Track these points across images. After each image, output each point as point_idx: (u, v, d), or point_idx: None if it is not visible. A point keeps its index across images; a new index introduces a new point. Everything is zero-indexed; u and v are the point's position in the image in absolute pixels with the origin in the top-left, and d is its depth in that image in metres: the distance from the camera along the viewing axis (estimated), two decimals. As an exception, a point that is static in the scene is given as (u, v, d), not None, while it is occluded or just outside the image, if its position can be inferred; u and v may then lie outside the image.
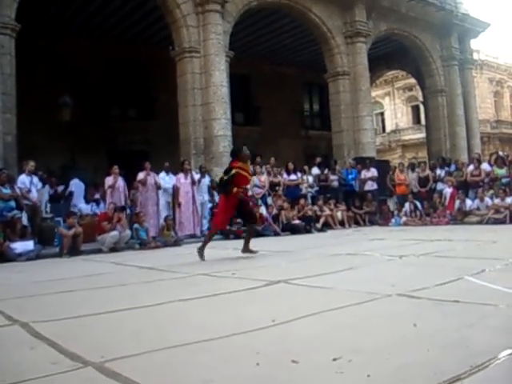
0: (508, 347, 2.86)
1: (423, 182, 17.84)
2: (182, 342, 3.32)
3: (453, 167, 18.42)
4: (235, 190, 8.62)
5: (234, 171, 8.66)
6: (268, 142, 25.13)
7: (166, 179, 14.82)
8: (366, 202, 17.66)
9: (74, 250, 11.40)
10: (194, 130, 17.24)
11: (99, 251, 11.76)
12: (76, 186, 15.78)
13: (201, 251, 8.80)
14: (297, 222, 15.16)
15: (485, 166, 17.39)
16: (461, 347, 2.96)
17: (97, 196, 15.81)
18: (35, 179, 13.07)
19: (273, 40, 24.21)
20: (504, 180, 16.43)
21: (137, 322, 4.14)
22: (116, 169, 13.96)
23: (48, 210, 14.36)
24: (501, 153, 20.31)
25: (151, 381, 2.66)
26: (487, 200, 15.40)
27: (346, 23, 21.81)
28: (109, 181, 13.83)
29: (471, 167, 17.33)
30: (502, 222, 14.46)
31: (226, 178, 8.73)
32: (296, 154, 25.08)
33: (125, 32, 21.28)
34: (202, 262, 8.46)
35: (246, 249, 9.05)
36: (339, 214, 16.71)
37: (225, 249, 11.12)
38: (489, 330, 3.30)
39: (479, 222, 14.84)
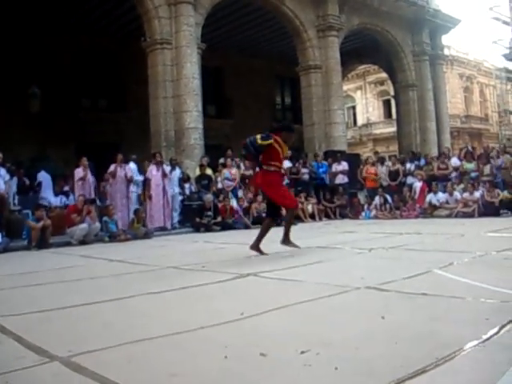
0: (474, 339, 2.89)
1: (393, 175, 17.97)
2: (151, 336, 3.30)
3: (422, 161, 18.59)
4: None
5: (270, 140, 7.60)
6: (240, 135, 24.94)
7: (136, 170, 14.75)
8: (337, 196, 17.74)
9: (42, 243, 11.26)
10: (164, 122, 17.15)
11: (68, 244, 11.65)
12: (43, 178, 15.57)
13: (287, 241, 7.82)
14: (268, 214, 15.15)
15: (454, 161, 17.58)
16: (428, 339, 2.99)
17: (66, 188, 15.64)
18: (3, 171, 12.88)
19: (245, 33, 24.14)
20: (473, 174, 16.63)
21: (105, 315, 4.11)
22: (85, 160, 13.81)
23: (16, 202, 14.15)
24: (470, 147, 20.55)
25: (117, 375, 2.63)
26: (456, 194, 15.56)
27: (318, 17, 21.85)
28: (79, 173, 13.68)
29: (438, 161, 17.54)
30: (470, 215, 14.64)
31: (259, 142, 7.53)
32: (268, 147, 25.02)
33: (96, 22, 21.00)
34: (171, 256, 8.42)
35: (287, 240, 7.90)
36: (310, 207, 16.76)
37: (195, 242, 11.07)
38: (455, 323, 3.33)
39: (448, 216, 15.00)
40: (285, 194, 7.94)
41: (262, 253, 7.55)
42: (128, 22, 20.55)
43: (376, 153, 24.31)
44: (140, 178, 14.81)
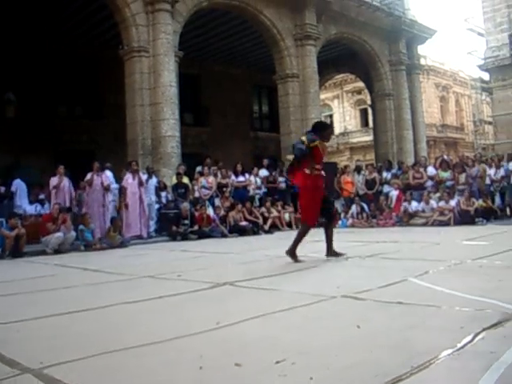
0: (449, 347, 2.91)
1: (370, 184, 18.06)
2: (125, 346, 3.27)
3: (397, 170, 18.66)
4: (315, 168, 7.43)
5: (316, 142, 7.35)
6: (217, 143, 25.12)
7: (112, 179, 14.67)
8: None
9: (16, 252, 11.14)
10: (141, 130, 17.06)
11: (43, 253, 11.52)
12: (18, 186, 15.38)
13: (292, 252, 7.48)
14: (244, 223, 15.14)
15: (430, 170, 17.71)
16: (403, 348, 3.00)
17: (41, 196, 15.48)
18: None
19: (223, 41, 24.17)
20: (448, 183, 16.75)
21: (80, 325, 4.06)
22: (61, 168, 13.71)
23: (-10, 210, 13.98)
24: (445, 156, 20.72)
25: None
26: (432, 202, 15.67)
27: (296, 26, 21.93)
28: (53, 181, 13.57)
29: (413, 171, 17.65)
30: (446, 224, 14.74)
31: (309, 145, 7.25)
32: (245, 156, 25.10)
33: (73, 30, 20.89)
34: (148, 265, 8.36)
35: (331, 252, 7.68)
36: (287, 216, 16.78)
37: (171, 250, 11.01)
38: (431, 331, 3.35)
39: (424, 224, 15.09)
40: (312, 209, 7.71)
41: (340, 254, 7.51)
42: (105, 29, 20.47)
43: (357, 160, 24.46)
44: (116, 185, 14.71)
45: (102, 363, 2.99)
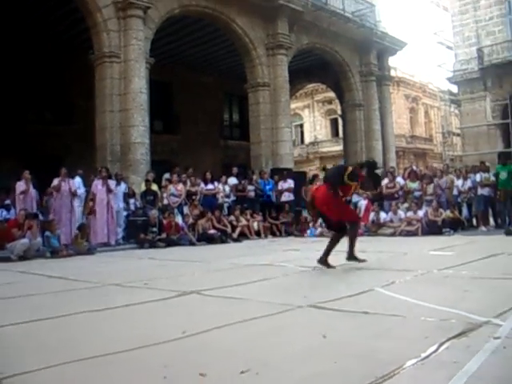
0: (413, 357, 2.93)
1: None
2: (89, 355, 3.22)
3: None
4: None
5: (354, 184, 7.55)
6: (187, 151, 25.05)
7: (81, 185, 14.52)
8: (283, 213, 17.80)
9: (-20, 258, 10.93)
10: (111, 136, 16.92)
11: (8, 259, 11.26)
12: (-16, 191, 15.13)
13: (353, 256, 7.59)
14: (212, 231, 15.09)
15: (399, 180, 17.86)
16: (369, 358, 3.01)
17: (7, 202, 15.23)
18: None
19: (195, 48, 24.14)
20: (416, 193, 16.91)
21: (41, 334, 3.99)
22: (27, 174, 13.50)
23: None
24: (414, 167, 20.91)
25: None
26: (400, 213, 15.80)
27: (268, 35, 21.99)
28: (20, 186, 13.36)
29: (386, 180, 17.74)
30: (414, 234, 14.88)
31: (346, 181, 7.38)
32: (214, 164, 25.07)
33: (43, 33, 20.68)
34: (114, 272, 8.28)
35: (352, 255, 7.66)
36: (255, 225, 16.77)
37: (139, 258, 10.92)
38: (396, 341, 3.38)
39: (392, 234, 15.21)
40: (345, 210, 7.78)
41: (329, 266, 7.38)
42: (77, 33, 20.27)
43: (324, 168, 24.49)
44: (82, 190, 14.55)
45: (63, 373, 2.94)
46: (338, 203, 7.51)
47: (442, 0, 33.66)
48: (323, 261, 7.46)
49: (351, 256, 7.58)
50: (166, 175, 16.92)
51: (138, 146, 16.85)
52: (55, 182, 13.68)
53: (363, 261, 7.51)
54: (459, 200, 17.11)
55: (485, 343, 3.18)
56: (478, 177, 16.53)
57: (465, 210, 17.32)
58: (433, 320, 3.89)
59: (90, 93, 17.90)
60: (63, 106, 22.57)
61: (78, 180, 14.63)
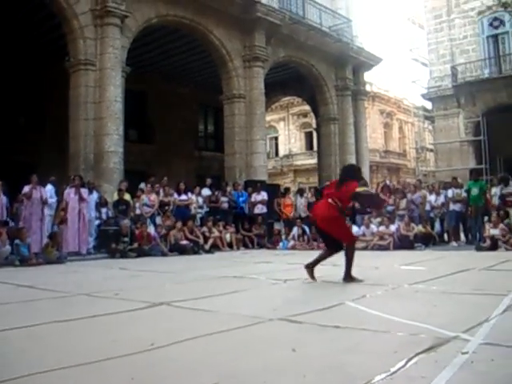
0: (382, 372, 2.93)
1: (312, 207, 18.16)
2: (51, 368, 3.15)
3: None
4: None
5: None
6: (161, 161, 24.94)
7: (53, 192, 14.34)
8: (256, 225, 17.80)
9: None
10: (84, 144, 16.76)
11: (-25, 267, 11.14)
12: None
13: (350, 277, 7.33)
14: (185, 242, 15.02)
15: (371, 194, 17.92)
16: (338, 372, 3.01)
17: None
18: None
19: (171, 59, 24.12)
20: (389, 208, 17.01)
21: (6, 345, 3.90)
22: (-2, 180, 13.34)
23: None
24: (388, 181, 21.06)
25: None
26: (373, 227, 15.89)
27: (245, 47, 22.04)
28: (-10, 193, 13.18)
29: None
30: (386, 248, 14.97)
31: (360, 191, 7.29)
32: (188, 174, 24.99)
33: (18, 38, 20.48)
34: (84, 282, 8.18)
35: (349, 276, 7.37)
36: (228, 236, 16.74)
37: (109, 268, 10.81)
38: (366, 355, 3.37)
39: (364, 248, 15.25)
40: (345, 230, 7.81)
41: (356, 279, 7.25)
42: (52, 40, 20.07)
43: (300, 183, 24.68)
44: (53, 199, 14.39)
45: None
46: (342, 222, 7.63)
47: (418, 17, 34.18)
48: (310, 267, 7.48)
49: (348, 276, 7.35)
50: (142, 185, 16.83)
51: (112, 154, 16.73)
52: (26, 189, 13.51)
53: (361, 281, 7.27)
54: (432, 215, 17.27)
55: (453, 358, 3.19)
56: (449, 192, 16.70)
57: (437, 225, 17.49)
58: (402, 334, 3.90)
59: (63, 100, 17.73)
60: (35, 113, 22.32)
61: (49, 188, 14.45)
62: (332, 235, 7.57)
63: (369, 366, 3.10)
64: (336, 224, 7.43)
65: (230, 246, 16.57)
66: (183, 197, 16.80)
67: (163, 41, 21.87)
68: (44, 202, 13.66)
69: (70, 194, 14.05)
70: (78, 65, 17.05)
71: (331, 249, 7.66)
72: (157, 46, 22.18)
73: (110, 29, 17.26)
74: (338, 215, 7.39)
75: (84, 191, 14.34)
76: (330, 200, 7.43)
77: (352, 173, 7.83)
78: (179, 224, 15.33)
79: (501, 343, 3.55)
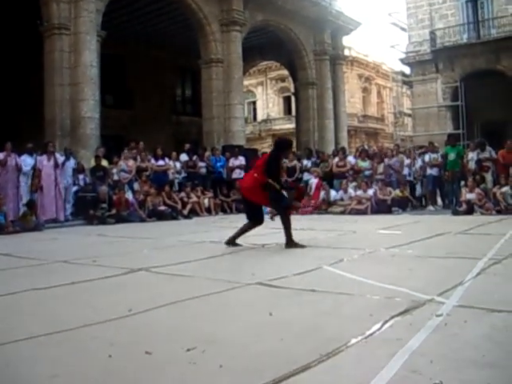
0: (358, 335, 2.99)
1: (290, 171, 18.19)
2: (31, 335, 3.17)
3: (316, 159, 18.86)
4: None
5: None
6: (138, 126, 24.75)
7: (27, 161, 14.14)
8: (234, 190, 17.77)
9: None
10: (60, 110, 16.57)
11: (-49, 236, 11.04)
12: None
13: (292, 242, 7.34)
14: (163, 208, 14.99)
15: (350, 159, 18.02)
16: (314, 336, 3.05)
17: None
18: None
19: (148, 22, 23.76)
20: (367, 172, 17.11)
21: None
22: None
23: None
24: (366, 146, 21.12)
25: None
26: (350, 191, 15.97)
27: (222, 11, 21.78)
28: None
29: (336, 159, 17.90)
30: (363, 212, 15.04)
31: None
32: (166, 139, 24.84)
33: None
34: (62, 249, 8.17)
35: (291, 242, 7.38)
36: (206, 201, 16.71)
37: (87, 235, 10.79)
38: (342, 319, 3.43)
39: (342, 212, 15.34)
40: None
41: (297, 245, 7.28)
42: (25, 4, 19.64)
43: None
44: (28, 168, 14.19)
45: (5, 354, 2.88)
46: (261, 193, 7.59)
47: (397, -19, 33.91)
48: (232, 243, 7.58)
49: (290, 242, 7.41)
50: (125, 151, 16.59)
51: (88, 120, 16.58)
52: (0, 156, 13.32)
53: (303, 246, 7.31)
54: (411, 179, 17.33)
55: (427, 320, 3.25)
56: (426, 157, 16.80)
57: (418, 188, 17.60)
58: (378, 298, 3.96)
59: (37, 65, 17.43)
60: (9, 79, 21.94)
61: (23, 157, 14.21)
62: (258, 203, 7.71)
63: (345, 328, 3.15)
64: (260, 193, 7.51)
65: (209, 211, 16.55)
66: (161, 162, 16.69)
67: (139, 4, 21.51)
68: (19, 170, 13.49)
69: (42, 161, 13.84)
70: (52, 29, 16.77)
71: (252, 221, 7.81)
72: (133, 9, 21.84)
73: (84, -9, 16.92)
74: (259, 186, 7.47)
75: (58, 157, 14.16)
76: (255, 174, 7.58)
77: (280, 146, 7.90)
78: (152, 190, 15.22)
79: (474, 305, 3.62)
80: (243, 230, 7.74)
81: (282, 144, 8.02)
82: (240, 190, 8.03)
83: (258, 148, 32.89)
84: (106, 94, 21.89)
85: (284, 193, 7.83)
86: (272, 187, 7.36)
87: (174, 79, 29.72)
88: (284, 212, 7.60)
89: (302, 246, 7.27)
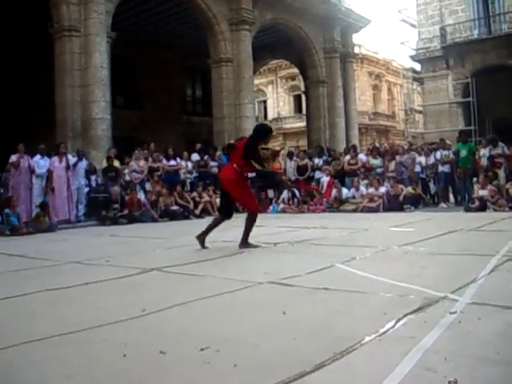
0: (371, 333, 2.97)
1: (301, 170, 18.19)
2: (45, 335, 3.18)
3: (327, 157, 18.81)
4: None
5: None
6: (149, 127, 24.81)
7: (40, 163, 14.21)
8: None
9: None
10: (71, 111, 16.67)
11: (-35, 237, 11.12)
12: None
13: (244, 242, 7.37)
14: (175, 208, 15.02)
15: (361, 156, 17.99)
16: (327, 334, 3.04)
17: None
18: None
19: (158, 23, 23.86)
20: (378, 170, 17.07)
21: (-1, 313, 3.93)
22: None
23: None
24: (377, 144, 21.06)
25: (4, 379, 2.51)
26: (362, 189, 15.93)
27: (231, 10, 21.80)
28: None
29: (348, 157, 17.87)
30: (375, 210, 15.02)
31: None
32: (177, 139, 24.87)
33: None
34: (75, 250, 8.20)
35: (245, 242, 7.41)
36: (218, 201, 16.69)
37: (99, 235, 10.83)
38: (355, 317, 3.41)
39: (354, 210, 15.33)
40: (250, 197, 7.78)
41: (250, 245, 7.30)
42: (35, 6, 19.70)
43: (297, 147, 24.80)
44: (43, 170, 14.26)
45: (20, 354, 2.89)
46: (247, 188, 7.64)
47: (406, -22, 33.78)
48: (201, 238, 7.56)
49: (244, 242, 7.38)
50: (136, 152, 16.64)
51: (100, 121, 16.65)
52: (13, 158, 13.40)
53: (256, 246, 7.31)
54: (424, 176, 17.25)
55: (441, 318, 3.23)
56: (438, 154, 16.73)
57: (432, 186, 17.52)
58: (391, 296, 3.94)
59: (48, 67, 17.50)
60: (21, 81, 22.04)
61: (36, 158, 14.29)
62: (233, 197, 7.59)
63: (358, 327, 3.14)
64: (239, 188, 7.44)
65: (220, 210, 16.53)
66: (172, 162, 16.74)
67: (149, 5, 21.57)
68: (32, 171, 13.57)
69: (54, 162, 13.93)
70: (63, 31, 16.86)
71: (222, 215, 7.79)
72: (143, 10, 21.90)
73: (93, -7, 16.98)
74: (241, 178, 7.42)
75: (70, 159, 14.23)
76: (234, 165, 7.41)
77: (257, 130, 7.76)
78: (164, 190, 15.25)
79: (487, 302, 3.60)
80: (213, 226, 7.71)
81: (259, 128, 7.93)
82: (220, 181, 7.82)
83: (269, 147, 32.80)
84: (117, 95, 21.91)
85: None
86: (254, 169, 7.27)
87: (183, 79, 29.74)
88: (255, 211, 7.61)
89: (256, 246, 7.28)
